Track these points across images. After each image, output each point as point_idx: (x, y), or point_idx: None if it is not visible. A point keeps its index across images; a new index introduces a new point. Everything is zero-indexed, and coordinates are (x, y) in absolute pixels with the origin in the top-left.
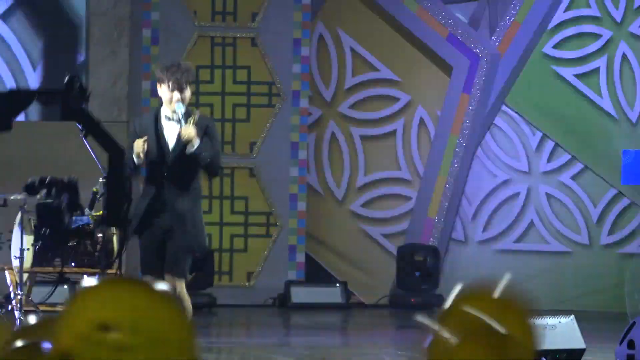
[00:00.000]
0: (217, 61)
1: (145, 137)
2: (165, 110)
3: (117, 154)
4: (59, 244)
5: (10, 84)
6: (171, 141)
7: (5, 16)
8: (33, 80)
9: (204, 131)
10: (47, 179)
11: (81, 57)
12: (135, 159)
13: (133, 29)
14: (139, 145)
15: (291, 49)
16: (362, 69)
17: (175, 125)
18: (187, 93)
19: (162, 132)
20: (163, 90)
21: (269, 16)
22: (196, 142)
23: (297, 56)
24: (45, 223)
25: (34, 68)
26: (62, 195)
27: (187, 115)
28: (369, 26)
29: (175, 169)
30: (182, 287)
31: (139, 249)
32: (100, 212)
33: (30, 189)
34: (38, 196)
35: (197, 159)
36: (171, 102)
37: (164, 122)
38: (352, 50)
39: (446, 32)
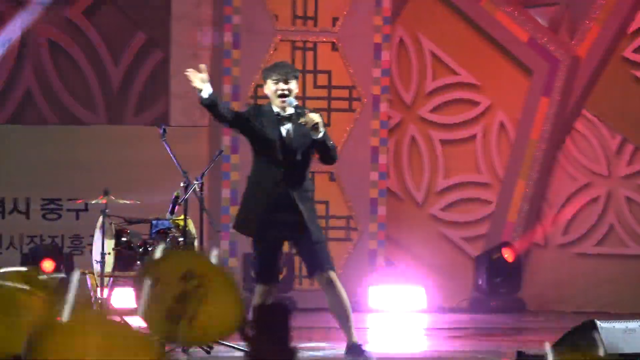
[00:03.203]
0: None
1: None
2: (275, 108)
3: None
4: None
5: (92, 79)
6: (288, 139)
7: (89, 12)
8: (116, 76)
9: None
10: None
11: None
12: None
13: (215, 32)
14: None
15: (371, 53)
16: (442, 73)
17: (288, 124)
18: (293, 86)
19: (281, 132)
20: (268, 86)
21: (349, 20)
22: (322, 127)
23: (378, 60)
24: None
25: (116, 64)
26: None
27: (298, 113)
28: (449, 30)
29: (292, 166)
30: (335, 277)
31: (255, 252)
32: (182, 217)
33: None
34: None
35: (318, 149)
36: (277, 95)
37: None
38: (432, 54)
39: (526, 35)
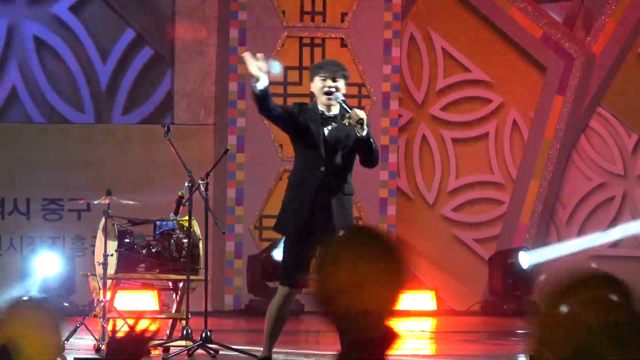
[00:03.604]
0: (305, 62)
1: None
2: (320, 107)
3: None
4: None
5: (79, 78)
6: (331, 139)
7: (76, 8)
8: (104, 74)
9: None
10: None
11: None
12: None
13: (221, 28)
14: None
15: (381, 50)
16: (454, 70)
17: (332, 123)
18: (340, 84)
19: (324, 131)
20: (315, 83)
21: (358, 16)
22: (367, 125)
23: (388, 57)
24: None
25: (104, 62)
26: None
27: (343, 110)
28: (461, 26)
29: (335, 167)
30: None
31: (285, 252)
32: (186, 217)
33: None
34: None
35: (361, 149)
36: (323, 92)
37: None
38: (443, 50)
39: (540, 32)
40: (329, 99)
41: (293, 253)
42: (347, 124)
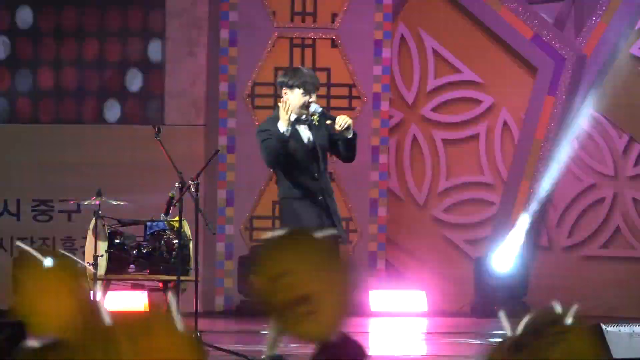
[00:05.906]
0: (296, 62)
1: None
2: (293, 116)
3: None
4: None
5: None
6: (314, 144)
7: None
8: None
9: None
10: None
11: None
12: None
13: (211, 29)
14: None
15: (372, 51)
16: (445, 71)
17: (304, 127)
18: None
19: (301, 136)
20: (295, 95)
21: (349, 17)
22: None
23: (378, 58)
24: None
25: None
26: None
27: (324, 116)
28: (452, 26)
29: (322, 171)
30: None
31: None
32: (177, 218)
33: None
34: None
35: (346, 147)
36: (303, 106)
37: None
38: (434, 51)
39: (531, 32)
40: (313, 113)
41: None
42: (337, 127)
